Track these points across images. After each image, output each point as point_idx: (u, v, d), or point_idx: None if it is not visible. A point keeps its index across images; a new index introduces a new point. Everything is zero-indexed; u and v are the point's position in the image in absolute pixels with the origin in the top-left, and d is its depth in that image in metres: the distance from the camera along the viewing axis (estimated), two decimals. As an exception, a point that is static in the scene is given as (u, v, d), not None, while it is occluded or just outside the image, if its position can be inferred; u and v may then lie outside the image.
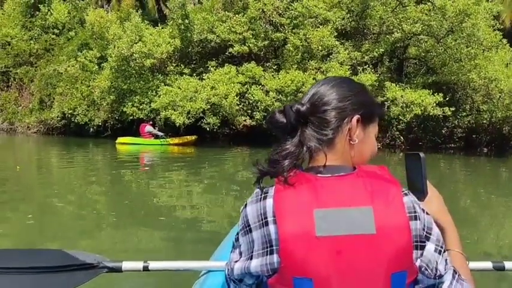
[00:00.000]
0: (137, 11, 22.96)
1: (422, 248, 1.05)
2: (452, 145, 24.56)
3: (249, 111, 19.51)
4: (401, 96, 18.52)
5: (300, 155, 1.10)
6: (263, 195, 1.09)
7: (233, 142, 20.61)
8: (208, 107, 18.37)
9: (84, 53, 22.67)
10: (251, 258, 1.07)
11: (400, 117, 19.20)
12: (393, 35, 19.43)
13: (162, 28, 20.88)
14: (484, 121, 21.46)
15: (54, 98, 23.90)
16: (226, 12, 20.00)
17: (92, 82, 21.89)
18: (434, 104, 18.32)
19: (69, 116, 22.56)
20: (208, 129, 19.02)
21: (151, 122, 19.78)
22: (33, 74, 25.87)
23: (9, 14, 27.86)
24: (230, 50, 19.55)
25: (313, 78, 18.84)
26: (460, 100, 22.46)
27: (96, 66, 22.35)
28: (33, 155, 16.48)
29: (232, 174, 12.40)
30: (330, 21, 20.19)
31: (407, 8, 19.68)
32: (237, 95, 18.25)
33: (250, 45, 19.35)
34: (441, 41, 19.53)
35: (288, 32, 19.53)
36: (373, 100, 1.20)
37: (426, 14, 18.56)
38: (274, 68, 20.08)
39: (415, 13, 18.81)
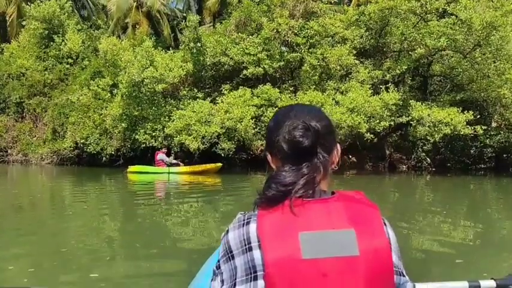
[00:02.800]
0: (151, 38, 22.56)
1: (403, 274, 1.11)
2: (482, 165, 23.29)
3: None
4: (428, 115, 17.40)
5: (316, 181, 1.08)
6: (246, 221, 1.08)
7: (251, 168, 19.66)
8: (223, 131, 17.53)
9: (97, 81, 22.26)
10: (234, 286, 1.05)
11: (428, 138, 18.02)
12: (416, 51, 18.42)
13: (173, 52, 20.33)
14: (518, 139, 20.15)
15: (67, 128, 23.44)
16: (240, 33, 19.35)
17: (104, 110, 21.36)
18: (465, 123, 17.14)
19: (82, 145, 22.00)
20: (223, 154, 18.13)
21: (164, 150, 18.97)
22: (46, 104, 25.55)
23: (24, 45, 27.84)
24: (244, 72, 18.80)
25: (333, 99, 17.93)
26: (488, 118, 21.28)
27: (109, 94, 21.88)
28: (45, 187, 15.84)
29: (251, 203, 11.41)
30: (347, 40, 19.39)
31: (429, 23, 18.76)
32: (252, 118, 17.38)
33: (265, 66, 18.57)
34: (467, 55, 18.45)
35: (305, 51, 18.74)
36: None
37: (451, 28, 17.54)
38: (291, 89, 19.23)
39: (439, 27, 17.82)
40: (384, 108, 17.25)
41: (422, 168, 23.33)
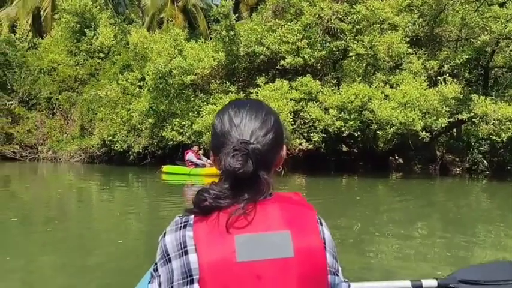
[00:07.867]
0: (183, 31, 21.14)
1: (337, 274, 1.09)
2: (549, 170, 20.66)
3: (305, 133, 16.71)
4: (494, 111, 15.04)
5: (256, 200, 1.05)
6: (183, 224, 1.05)
7: (288, 169, 17.86)
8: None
9: (125, 75, 21.03)
10: None
11: (493, 137, 15.65)
12: (480, 38, 16.04)
13: (205, 42, 18.72)
14: None
15: (95, 125, 22.40)
16: (277, 20, 17.50)
17: (132, 106, 20.09)
18: (539, 121, 14.74)
19: (109, 142, 20.84)
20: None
21: (195, 148, 17.29)
22: (75, 100, 24.66)
23: (57, 40, 27.16)
24: (282, 62, 16.94)
25: (382, 92, 15.85)
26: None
27: (138, 89, 20.60)
28: (72, 186, 14.88)
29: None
30: (398, 27, 17.22)
31: (492, 7, 16.37)
32: (290, 113, 15.53)
33: (305, 56, 16.62)
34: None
35: (350, 39, 16.68)
36: None
37: (522, 10, 15.12)
38: (333, 82, 17.24)
39: (507, 10, 15.41)
40: (442, 103, 15.03)
41: (478, 171, 21.05)
